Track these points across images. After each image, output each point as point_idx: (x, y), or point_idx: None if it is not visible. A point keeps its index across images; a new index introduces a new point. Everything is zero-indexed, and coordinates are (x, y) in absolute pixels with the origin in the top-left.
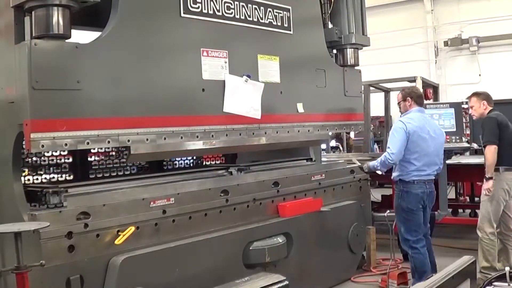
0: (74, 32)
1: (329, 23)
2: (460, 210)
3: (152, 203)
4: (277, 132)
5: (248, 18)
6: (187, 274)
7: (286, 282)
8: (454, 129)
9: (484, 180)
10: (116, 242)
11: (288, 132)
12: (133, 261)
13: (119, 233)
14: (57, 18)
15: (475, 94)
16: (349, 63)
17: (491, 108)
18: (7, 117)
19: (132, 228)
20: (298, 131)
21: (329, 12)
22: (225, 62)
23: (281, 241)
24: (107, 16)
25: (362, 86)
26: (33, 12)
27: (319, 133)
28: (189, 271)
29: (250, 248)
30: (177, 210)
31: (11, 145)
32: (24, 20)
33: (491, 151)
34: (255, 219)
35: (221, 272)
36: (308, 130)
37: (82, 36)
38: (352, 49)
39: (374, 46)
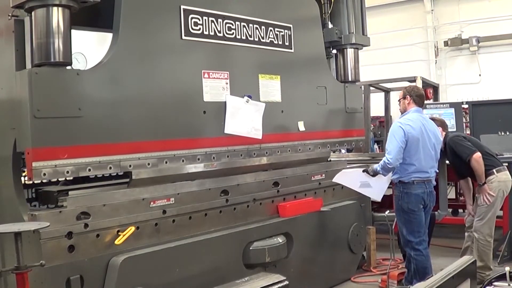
0: (74, 33)
1: (329, 23)
2: (460, 210)
3: (152, 203)
4: (278, 152)
5: (249, 38)
6: (187, 274)
7: (286, 282)
8: (454, 129)
9: (478, 188)
10: (116, 242)
11: (289, 151)
12: (133, 261)
13: (119, 233)
14: (58, 44)
15: None
16: (350, 79)
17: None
18: (7, 118)
19: (132, 228)
20: (299, 149)
21: (329, 12)
22: (226, 83)
23: (281, 241)
24: (107, 16)
25: (363, 87)
26: (33, 13)
27: (320, 151)
28: (189, 271)
29: (250, 248)
30: (177, 210)
31: (11, 146)
32: (24, 21)
33: (477, 160)
34: (255, 219)
35: (221, 272)
36: (309, 148)
37: (82, 37)
38: (352, 49)
39: (374, 46)
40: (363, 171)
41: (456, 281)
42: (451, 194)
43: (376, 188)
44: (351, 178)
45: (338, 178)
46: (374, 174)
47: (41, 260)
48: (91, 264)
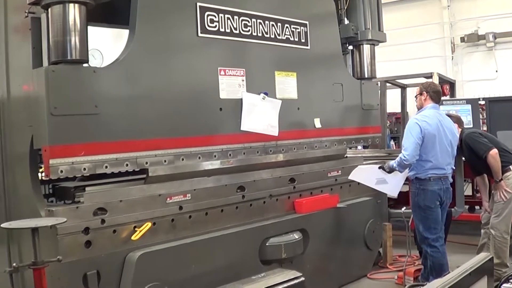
0: (91, 29)
1: (345, 19)
2: (477, 207)
3: (168, 199)
4: (294, 149)
5: (266, 35)
6: (203, 270)
7: (302, 279)
8: (471, 125)
9: (494, 185)
10: (133, 238)
11: (305, 148)
12: (150, 257)
13: (136, 229)
14: (74, 42)
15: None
16: (366, 76)
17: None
18: (24, 114)
19: (149, 224)
20: (316, 146)
21: (345, 8)
22: (243, 80)
23: (297, 237)
24: (123, 13)
25: (379, 83)
26: (49, 10)
27: (336, 148)
28: (205, 267)
29: (267, 244)
30: (194, 206)
31: (28, 142)
32: (41, 18)
33: (493, 157)
34: (271, 215)
35: (237, 268)
36: (326, 145)
37: (98, 33)
38: (369, 45)
39: (390, 42)
40: (379, 167)
41: (473, 278)
42: (468, 191)
43: (392, 185)
44: (367, 174)
45: (354, 175)
46: (390, 170)
47: (58, 256)
48: (107, 260)
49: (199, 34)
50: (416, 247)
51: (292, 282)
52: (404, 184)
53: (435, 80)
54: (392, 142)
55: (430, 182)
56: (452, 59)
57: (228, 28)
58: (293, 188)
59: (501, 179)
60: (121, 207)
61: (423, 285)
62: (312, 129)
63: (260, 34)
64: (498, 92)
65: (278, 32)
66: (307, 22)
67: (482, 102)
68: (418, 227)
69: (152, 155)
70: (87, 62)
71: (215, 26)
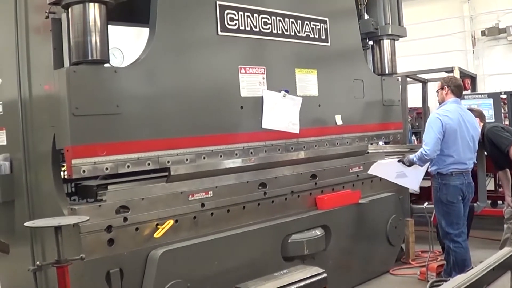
0: (111, 28)
1: (365, 14)
2: (499, 202)
3: (190, 196)
4: (316, 146)
5: (286, 32)
6: (225, 267)
7: (325, 275)
8: (493, 120)
9: None
10: (155, 235)
11: (326, 145)
12: (172, 254)
13: (158, 226)
14: (95, 42)
15: None
16: (386, 71)
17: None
18: (46, 114)
19: (171, 222)
20: (337, 143)
21: (365, 3)
22: (263, 78)
23: (319, 233)
24: (143, 11)
25: (400, 78)
26: (69, 9)
27: (358, 145)
28: (227, 264)
29: (289, 240)
30: (215, 203)
31: (50, 141)
32: (61, 19)
33: None
34: (293, 211)
35: (259, 264)
36: (347, 142)
37: (119, 32)
38: (389, 40)
39: (410, 37)
40: (399, 161)
41: (496, 273)
42: (490, 186)
43: (412, 178)
44: (386, 169)
45: (373, 170)
46: (410, 164)
47: (81, 254)
48: (130, 257)
49: (219, 33)
50: (438, 242)
51: (314, 279)
52: (426, 179)
53: (456, 74)
54: (413, 138)
55: (452, 177)
56: (473, 53)
57: (248, 26)
58: (314, 185)
59: None
60: (143, 205)
61: (446, 281)
62: (333, 126)
63: (280, 32)
64: None
65: (298, 29)
66: (327, 19)
67: (504, 96)
68: (440, 222)
69: (174, 154)
70: (108, 62)
71: (235, 24)
